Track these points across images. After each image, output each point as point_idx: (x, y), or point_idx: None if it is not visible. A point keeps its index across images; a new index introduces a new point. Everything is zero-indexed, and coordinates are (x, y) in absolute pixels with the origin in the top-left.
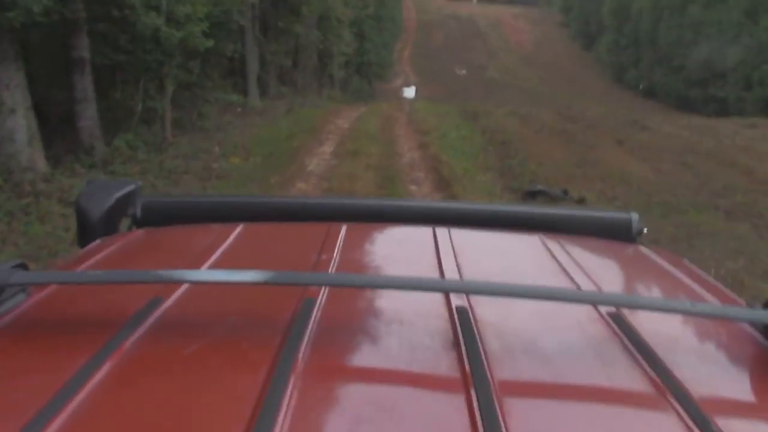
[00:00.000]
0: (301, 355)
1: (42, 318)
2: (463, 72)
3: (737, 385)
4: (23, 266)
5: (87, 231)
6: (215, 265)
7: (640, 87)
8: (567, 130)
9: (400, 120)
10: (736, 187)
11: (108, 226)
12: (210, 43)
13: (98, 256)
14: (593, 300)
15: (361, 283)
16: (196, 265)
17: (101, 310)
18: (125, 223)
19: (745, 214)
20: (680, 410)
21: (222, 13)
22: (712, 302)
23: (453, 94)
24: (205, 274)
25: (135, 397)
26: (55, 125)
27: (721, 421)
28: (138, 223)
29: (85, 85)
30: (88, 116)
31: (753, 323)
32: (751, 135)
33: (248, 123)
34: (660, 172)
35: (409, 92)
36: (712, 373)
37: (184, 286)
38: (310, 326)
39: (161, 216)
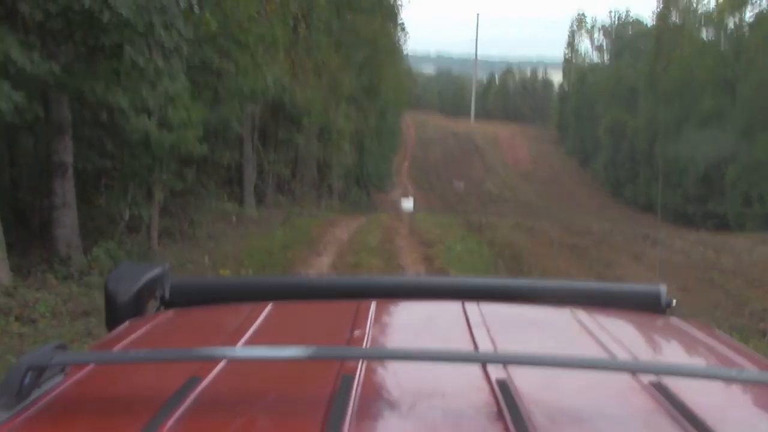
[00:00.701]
0: (346, 430)
1: (82, 399)
2: (461, 185)
3: None
4: (62, 347)
5: (116, 312)
6: (249, 344)
7: (638, 201)
8: (577, 244)
9: (402, 231)
10: None
11: (137, 307)
12: (204, 149)
13: (132, 337)
14: (636, 368)
15: (400, 356)
16: (230, 343)
17: (139, 389)
18: (152, 305)
19: None
20: None
21: (220, 121)
22: (752, 369)
23: (451, 206)
24: (245, 350)
25: None
26: (36, 232)
27: None
28: (166, 304)
29: (65, 190)
30: (67, 223)
31: None
32: None
33: (242, 232)
34: (689, 291)
35: (408, 204)
36: None
37: (221, 365)
38: (351, 402)
39: (189, 297)
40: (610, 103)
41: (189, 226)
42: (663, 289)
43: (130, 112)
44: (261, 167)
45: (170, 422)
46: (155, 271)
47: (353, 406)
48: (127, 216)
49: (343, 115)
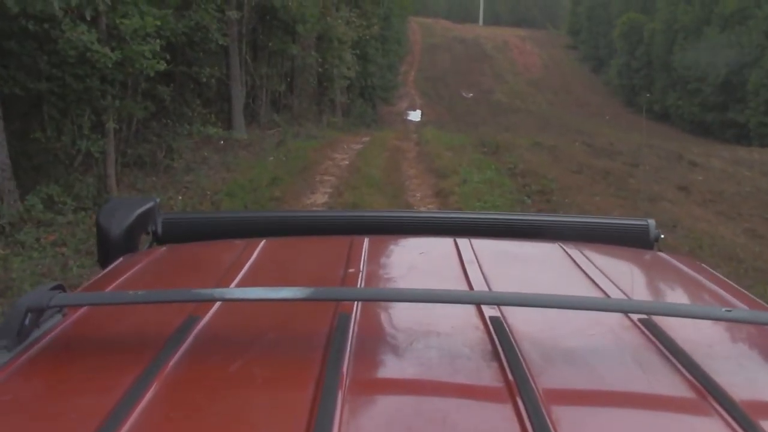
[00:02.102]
0: (345, 369)
1: (81, 339)
2: (470, 95)
3: None
4: (61, 288)
5: (108, 248)
6: (244, 282)
7: (653, 109)
8: (609, 170)
9: (409, 155)
10: None
11: (128, 243)
12: (161, 66)
13: (126, 275)
14: (627, 308)
15: (396, 297)
16: (226, 281)
17: (138, 329)
18: (145, 240)
19: None
20: (724, 414)
21: (196, 29)
22: (741, 307)
23: (459, 117)
24: (241, 291)
25: (187, 417)
26: None
27: (766, 424)
28: (158, 239)
29: None
30: None
31: None
32: None
33: (228, 160)
34: (761, 237)
35: (415, 115)
36: (751, 377)
37: (218, 304)
38: (349, 341)
39: (181, 232)
40: (625, 4)
41: (166, 154)
42: (652, 222)
43: (63, 20)
44: (252, 83)
45: (172, 361)
46: (146, 206)
47: (351, 345)
48: (77, 151)
49: (343, 21)
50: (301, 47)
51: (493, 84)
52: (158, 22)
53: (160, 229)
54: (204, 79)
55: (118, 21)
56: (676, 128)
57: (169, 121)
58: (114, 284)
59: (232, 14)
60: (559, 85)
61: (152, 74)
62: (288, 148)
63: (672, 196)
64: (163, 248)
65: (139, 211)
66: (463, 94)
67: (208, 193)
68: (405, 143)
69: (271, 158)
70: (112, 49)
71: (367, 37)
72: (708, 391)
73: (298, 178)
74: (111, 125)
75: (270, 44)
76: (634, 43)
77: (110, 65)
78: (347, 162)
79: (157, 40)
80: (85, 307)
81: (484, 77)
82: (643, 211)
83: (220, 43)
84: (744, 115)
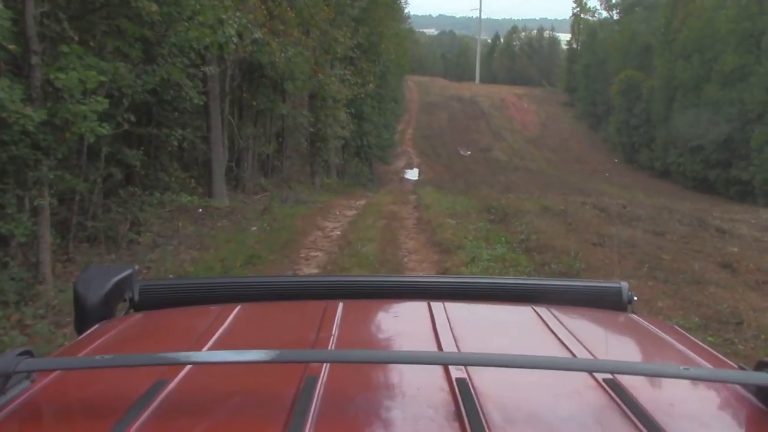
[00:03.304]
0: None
1: (48, 404)
2: (468, 153)
3: None
4: (29, 353)
5: (85, 315)
6: (216, 346)
7: (653, 166)
8: (633, 241)
9: (408, 222)
10: None
11: (105, 310)
12: (104, 129)
13: (100, 341)
14: (589, 367)
15: (363, 359)
16: (198, 346)
17: (106, 394)
18: (122, 307)
19: None
20: None
21: (160, 87)
22: (704, 366)
23: (458, 175)
24: (210, 355)
25: None
26: None
27: None
28: (135, 306)
29: None
30: None
31: (745, 385)
32: None
33: (204, 233)
34: None
35: (412, 174)
36: None
37: (188, 368)
38: (314, 403)
39: (158, 299)
40: (622, 62)
41: (131, 227)
42: (625, 285)
43: None
44: (236, 145)
45: (136, 425)
46: (124, 273)
47: (315, 408)
48: None
49: (337, 78)
50: (291, 106)
51: (491, 142)
52: (104, 78)
53: (137, 296)
54: (175, 142)
55: (52, 76)
56: (678, 185)
57: (137, 189)
58: (87, 350)
59: (210, 70)
60: (558, 142)
61: (92, 139)
62: (274, 216)
63: (718, 277)
64: (139, 315)
65: (117, 278)
66: (461, 152)
67: (171, 276)
68: (403, 208)
69: (254, 228)
70: (49, 109)
71: (363, 95)
72: None
73: (279, 254)
74: (45, 201)
75: (255, 103)
76: (633, 101)
77: (31, 127)
78: (338, 232)
79: (104, 98)
80: (55, 373)
81: (481, 135)
82: (693, 302)
83: (196, 101)
84: (748, 172)
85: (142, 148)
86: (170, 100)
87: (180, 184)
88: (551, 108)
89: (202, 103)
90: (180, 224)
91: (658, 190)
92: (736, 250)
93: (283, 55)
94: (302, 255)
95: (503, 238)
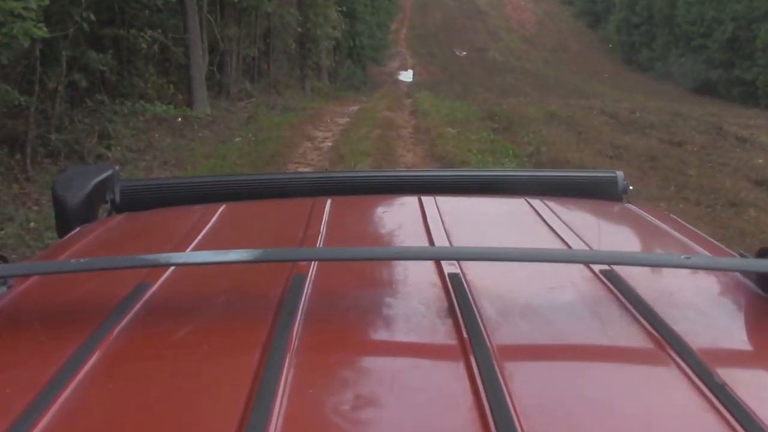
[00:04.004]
0: (295, 331)
1: (25, 310)
2: (464, 54)
3: (735, 335)
4: (2, 259)
5: (65, 219)
6: (200, 247)
7: (654, 67)
8: (651, 153)
9: (404, 131)
10: None
11: (87, 212)
12: (41, 31)
13: (80, 244)
14: (586, 259)
15: (351, 256)
16: (181, 247)
17: (86, 298)
18: (104, 209)
19: None
20: (681, 363)
21: None
22: (704, 254)
23: (453, 77)
24: (191, 256)
25: (127, 386)
26: None
27: (722, 371)
28: (117, 208)
29: None
30: None
31: (745, 273)
32: None
33: (181, 145)
34: None
35: (406, 76)
36: (710, 325)
37: (171, 270)
38: (302, 302)
39: (140, 200)
40: None
41: (99, 140)
42: (620, 174)
43: None
44: (218, 47)
45: (117, 329)
46: (104, 174)
47: (303, 306)
48: None
49: None
50: (278, 4)
51: (487, 42)
52: None
53: (118, 198)
54: (144, 45)
55: None
56: (678, 87)
57: (105, 97)
58: (67, 253)
59: None
60: (555, 42)
61: (26, 43)
62: (260, 125)
63: (754, 197)
64: (120, 216)
65: (97, 179)
66: (457, 52)
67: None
68: (398, 114)
69: (238, 139)
70: None
71: None
72: (666, 340)
73: (264, 170)
74: None
75: (238, 0)
76: None
77: None
78: (330, 143)
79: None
80: (32, 279)
81: (477, 35)
82: (736, 229)
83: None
84: (752, 72)
85: (111, 51)
86: None
87: (157, 91)
88: (548, 6)
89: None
90: (156, 136)
91: (658, 91)
92: (761, 161)
93: None
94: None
95: (510, 151)
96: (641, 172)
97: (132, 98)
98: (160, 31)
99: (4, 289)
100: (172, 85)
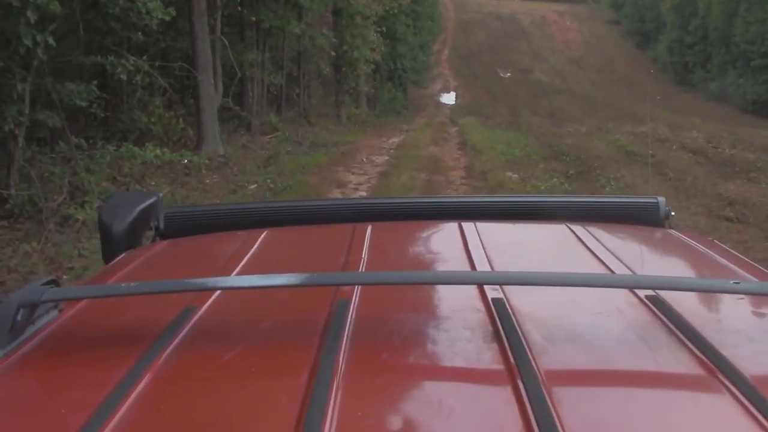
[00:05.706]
0: (341, 355)
1: (76, 333)
2: (508, 74)
3: None
4: (54, 283)
5: (111, 245)
6: (244, 272)
7: (708, 88)
8: None
9: (454, 175)
10: None
11: (132, 239)
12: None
13: (126, 269)
14: (631, 284)
15: (395, 280)
16: (226, 272)
17: (135, 322)
18: (148, 235)
19: None
20: (734, 389)
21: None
22: (752, 280)
23: (497, 98)
24: (237, 280)
25: (177, 409)
26: None
27: None
28: (161, 234)
29: None
30: None
31: None
32: None
33: (182, 197)
34: None
35: (448, 98)
36: (761, 351)
37: (216, 294)
38: (346, 327)
39: (184, 226)
40: None
41: (71, 197)
42: (662, 200)
43: None
44: (237, 74)
45: (166, 352)
46: (149, 201)
47: (348, 330)
48: None
49: None
50: (309, 24)
51: (531, 62)
52: None
53: (162, 224)
54: (123, 76)
55: None
56: (734, 108)
57: (83, 140)
58: (113, 278)
59: None
60: (603, 62)
61: None
62: (281, 167)
63: None
64: (165, 242)
65: (142, 206)
66: (501, 73)
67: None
68: (445, 149)
69: (253, 186)
70: None
71: (396, 11)
72: (716, 367)
73: None
74: None
75: (255, 19)
76: (687, 16)
77: None
78: (363, 193)
79: None
80: (83, 302)
81: (521, 55)
82: None
83: (159, 16)
84: None
85: (95, 82)
86: (118, 14)
87: (164, 126)
88: (595, 26)
89: (168, 18)
90: (152, 184)
91: (713, 114)
92: None
93: None
94: None
95: None
96: None
97: (132, 136)
98: (145, 57)
99: (56, 312)
100: (181, 119)
